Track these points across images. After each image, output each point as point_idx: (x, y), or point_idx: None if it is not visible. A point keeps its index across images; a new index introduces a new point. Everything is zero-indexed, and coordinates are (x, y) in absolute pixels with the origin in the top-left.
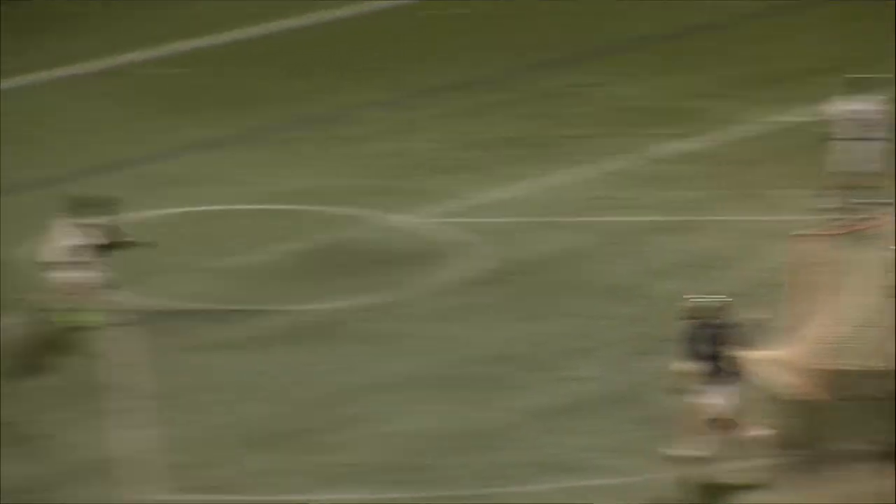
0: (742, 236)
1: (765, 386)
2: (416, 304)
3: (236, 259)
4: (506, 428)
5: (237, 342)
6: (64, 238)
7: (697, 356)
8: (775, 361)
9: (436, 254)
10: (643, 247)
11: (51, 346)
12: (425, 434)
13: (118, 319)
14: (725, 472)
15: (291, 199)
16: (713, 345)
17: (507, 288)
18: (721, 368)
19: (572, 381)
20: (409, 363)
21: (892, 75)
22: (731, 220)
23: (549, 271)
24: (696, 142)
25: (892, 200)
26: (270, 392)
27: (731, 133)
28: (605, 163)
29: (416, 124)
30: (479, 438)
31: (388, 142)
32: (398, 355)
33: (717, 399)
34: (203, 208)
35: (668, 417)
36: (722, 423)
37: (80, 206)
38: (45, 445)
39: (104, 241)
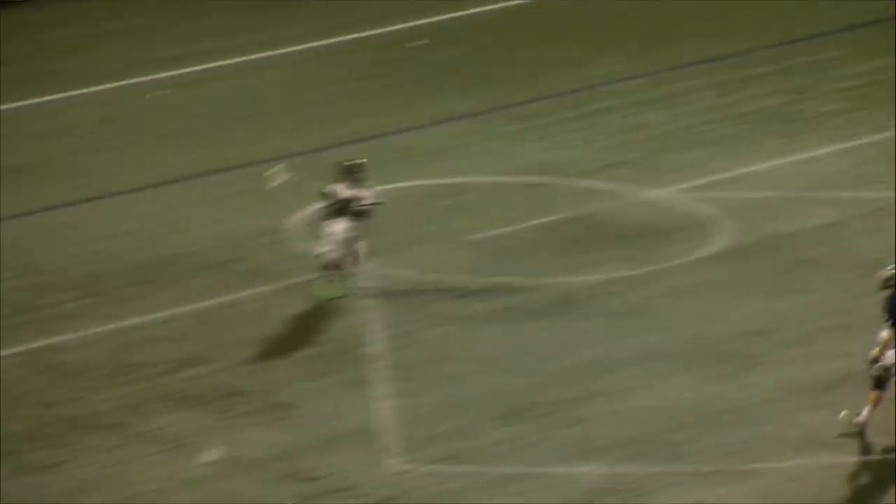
0: None
1: None
2: (665, 279)
3: (483, 232)
4: (760, 403)
5: (481, 315)
6: (324, 208)
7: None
8: None
9: (686, 228)
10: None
11: (306, 317)
12: (675, 409)
13: (367, 291)
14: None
15: (539, 171)
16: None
17: (760, 263)
18: None
19: (832, 357)
20: (655, 338)
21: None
22: None
23: (804, 246)
24: None
25: None
26: (512, 365)
27: None
28: (859, 138)
29: (664, 98)
30: (732, 414)
31: (637, 115)
32: (644, 330)
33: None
34: (450, 181)
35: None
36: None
37: (341, 175)
38: (295, 414)
39: (361, 210)
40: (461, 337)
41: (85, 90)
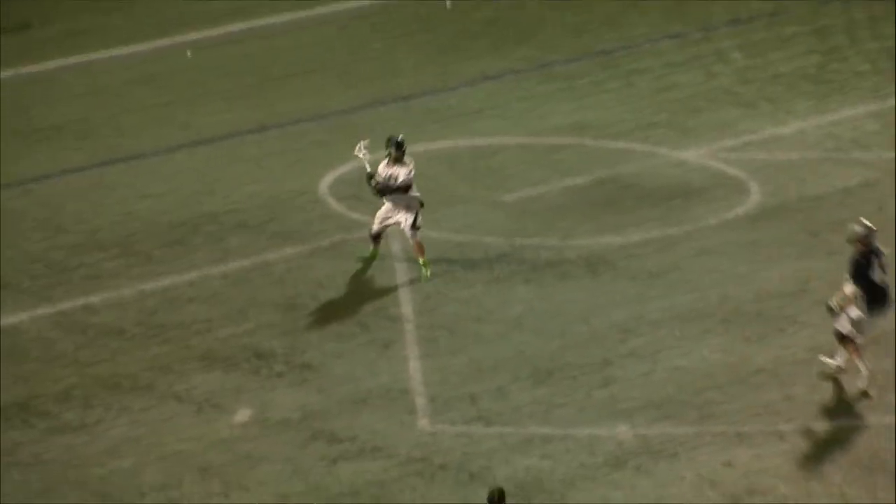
0: None
1: None
2: (695, 240)
3: (515, 193)
4: (790, 365)
5: (511, 276)
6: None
7: (858, 279)
8: None
9: (717, 189)
10: None
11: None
12: (704, 370)
13: (399, 254)
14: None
15: (572, 132)
16: (870, 269)
17: (790, 224)
18: (874, 293)
19: None
20: (685, 299)
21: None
22: None
23: (834, 208)
24: None
25: None
26: (541, 326)
27: None
28: (890, 99)
29: (697, 59)
30: (762, 375)
31: (670, 76)
32: (674, 291)
33: (854, 319)
34: (483, 141)
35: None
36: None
37: (389, 149)
38: (324, 375)
39: (401, 188)
40: (491, 298)
41: (120, 50)
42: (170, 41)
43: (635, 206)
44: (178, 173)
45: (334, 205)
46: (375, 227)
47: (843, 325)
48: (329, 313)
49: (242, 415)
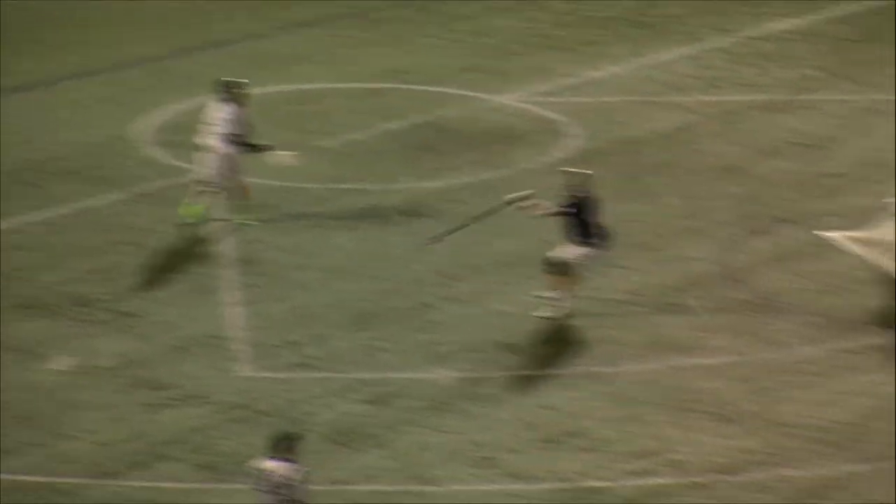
0: (849, 115)
1: (867, 265)
2: (514, 184)
3: (334, 139)
4: (612, 306)
5: (331, 222)
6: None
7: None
8: (874, 241)
9: (536, 133)
10: (748, 126)
11: (159, 225)
12: (526, 314)
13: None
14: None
15: (391, 78)
16: (585, 213)
17: (609, 167)
18: (585, 233)
19: (680, 261)
20: (506, 244)
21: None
22: (836, 99)
23: (652, 151)
24: (797, 20)
25: None
26: (362, 272)
27: (831, 11)
28: (707, 41)
29: (515, 3)
30: (583, 318)
31: (488, 20)
32: (495, 236)
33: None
34: (302, 87)
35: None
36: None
37: (220, 89)
38: (146, 322)
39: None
40: (312, 244)
41: None
42: None
43: (455, 150)
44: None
45: (155, 151)
46: (205, 174)
47: (562, 256)
48: (151, 260)
49: (64, 362)
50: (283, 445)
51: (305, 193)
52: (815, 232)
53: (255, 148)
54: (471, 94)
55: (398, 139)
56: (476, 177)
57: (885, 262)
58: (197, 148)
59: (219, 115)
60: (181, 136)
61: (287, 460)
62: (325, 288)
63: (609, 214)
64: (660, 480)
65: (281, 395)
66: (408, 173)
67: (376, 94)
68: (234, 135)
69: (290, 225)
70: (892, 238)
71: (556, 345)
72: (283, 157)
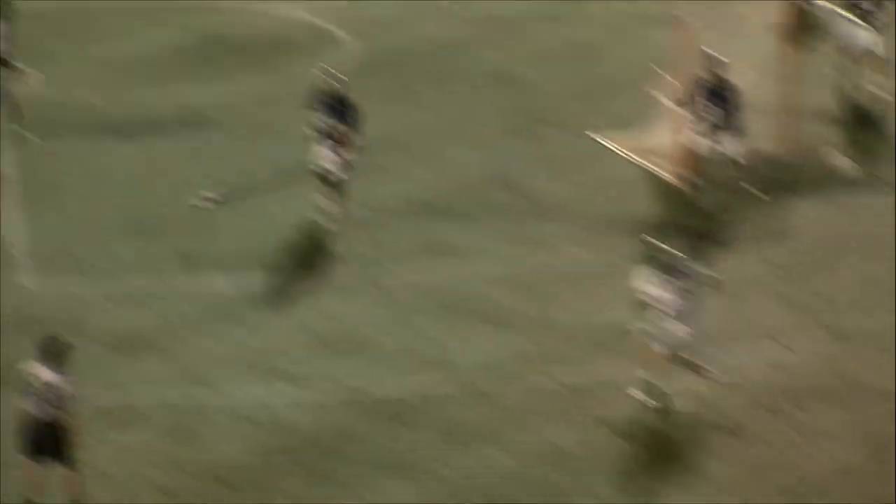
0: (620, 22)
1: (644, 171)
2: (293, 92)
3: (110, 50)
4: (384, 214)
5: (109, 133)
6: None
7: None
8: (651, 148)
9: (309, 42)
10: (520, 34)
11: None
12: (291, 223)
13: None
14: None
15: None
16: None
17: (381, 76)
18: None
19: (453, 167)
20: (286, 151)
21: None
22: (608, 4)
23: (425, 59)
24: None
25: None
26: (138, 182)
27: None
28: None
29: None
30: (355, 226)
31: None
32: (275, 145)
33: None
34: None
35: None
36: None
37: None
38: None
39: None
40: (93, 156)
41: None
42: None
43: (233, 60)
44: None
45: None
46: None
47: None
48: None
49: None
50: (52, 351)
51: (87, 106)
52: (588, 133)
53: (7, 65)
54: (245, 4)
55: (176, 48)
56: (255, 87)
57: (655, 166)
58: None
59: None
60: None
61: (56, 369)
62: (104, 199)
63: (381, 122)
64: (438, 388)
65: (60, 303)
66: (184, 84)
67: (154, 3)
68: None
69: (71, 136)
70: (662, 142)
71: (333, 252)
72: (30, 77)
